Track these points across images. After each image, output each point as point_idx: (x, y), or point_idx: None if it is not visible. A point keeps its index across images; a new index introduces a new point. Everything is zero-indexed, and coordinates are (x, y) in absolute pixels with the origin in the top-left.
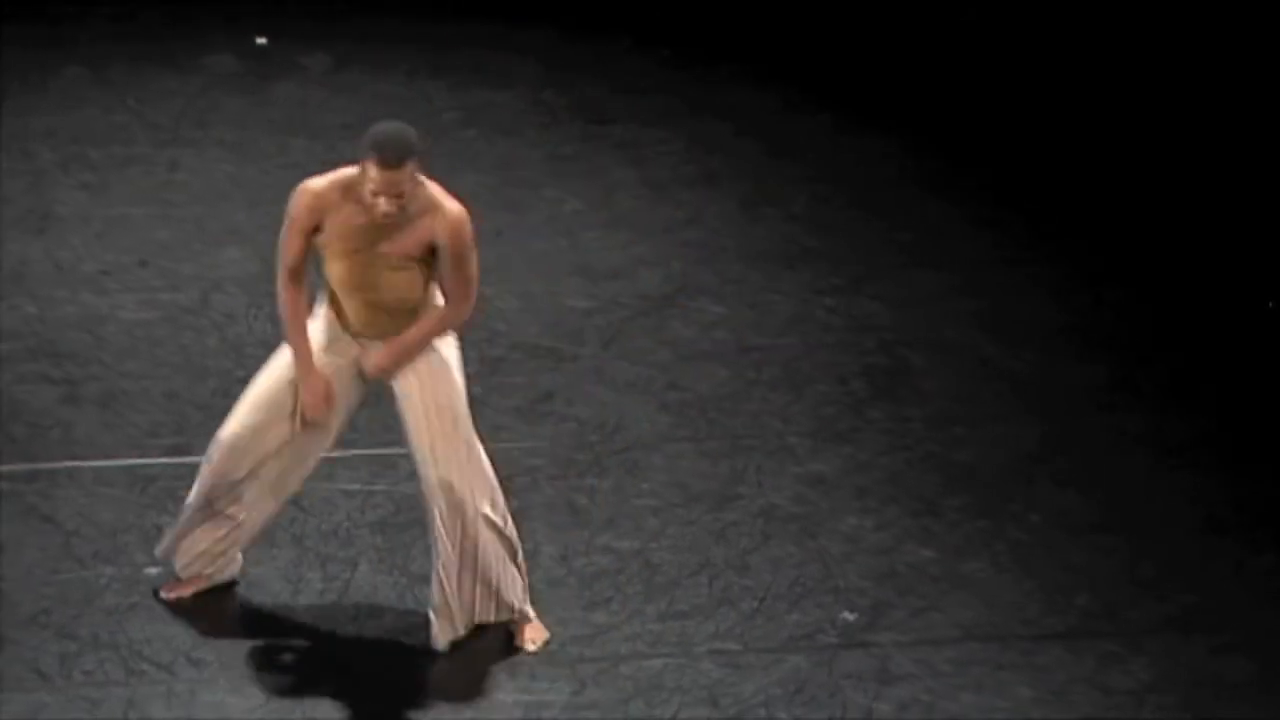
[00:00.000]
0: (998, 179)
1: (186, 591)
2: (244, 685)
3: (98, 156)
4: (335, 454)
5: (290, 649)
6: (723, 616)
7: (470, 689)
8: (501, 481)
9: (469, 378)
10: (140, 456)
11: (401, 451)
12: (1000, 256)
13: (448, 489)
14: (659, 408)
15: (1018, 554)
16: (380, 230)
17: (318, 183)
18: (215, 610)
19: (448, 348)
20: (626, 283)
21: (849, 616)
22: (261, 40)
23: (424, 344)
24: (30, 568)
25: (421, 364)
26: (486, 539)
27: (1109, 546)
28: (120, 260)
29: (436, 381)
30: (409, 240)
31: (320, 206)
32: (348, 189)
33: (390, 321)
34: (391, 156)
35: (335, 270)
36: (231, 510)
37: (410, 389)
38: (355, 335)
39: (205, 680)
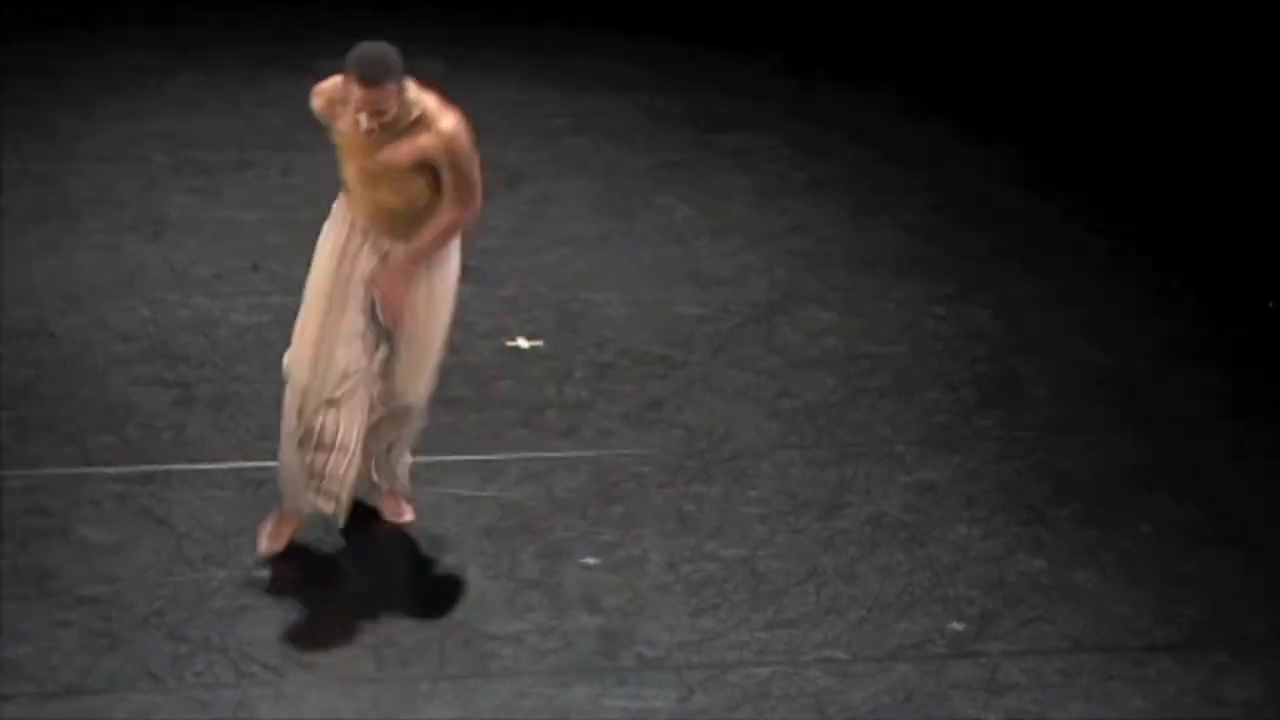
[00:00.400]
0: (1109, 187)
1: (280, 541)
2: (352, 688)
3: (211, 160)
4: (444, 458)
5: (398, 652)
6: (830, 625)
7: (577, 695)
8: (610, 487)
9: (577, 383)
10: (251, 460)
11: (509, 457)
12: (1111, 265)
13: (406, 402)
14: (768, 415)
15: (1128, 564)
16: (376, 140)
17: (328, 86)
18: (324, 613)
19: (449, 273)
20: (736, 290)
21: (958, 626)
22: None
23: (432, 250)
24: (144, 569)
25: (421, 291)
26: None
27: (1220, 557)
28: (232, 264)
29: (430, 314)
30: (403, 152)
31: (328, 107)
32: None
33: (398, 223)
34: (369, 75)
35: (347, 169)
36: (329, 430)
37: (416, 307)
38: (366, 230)
39: (314, 682)
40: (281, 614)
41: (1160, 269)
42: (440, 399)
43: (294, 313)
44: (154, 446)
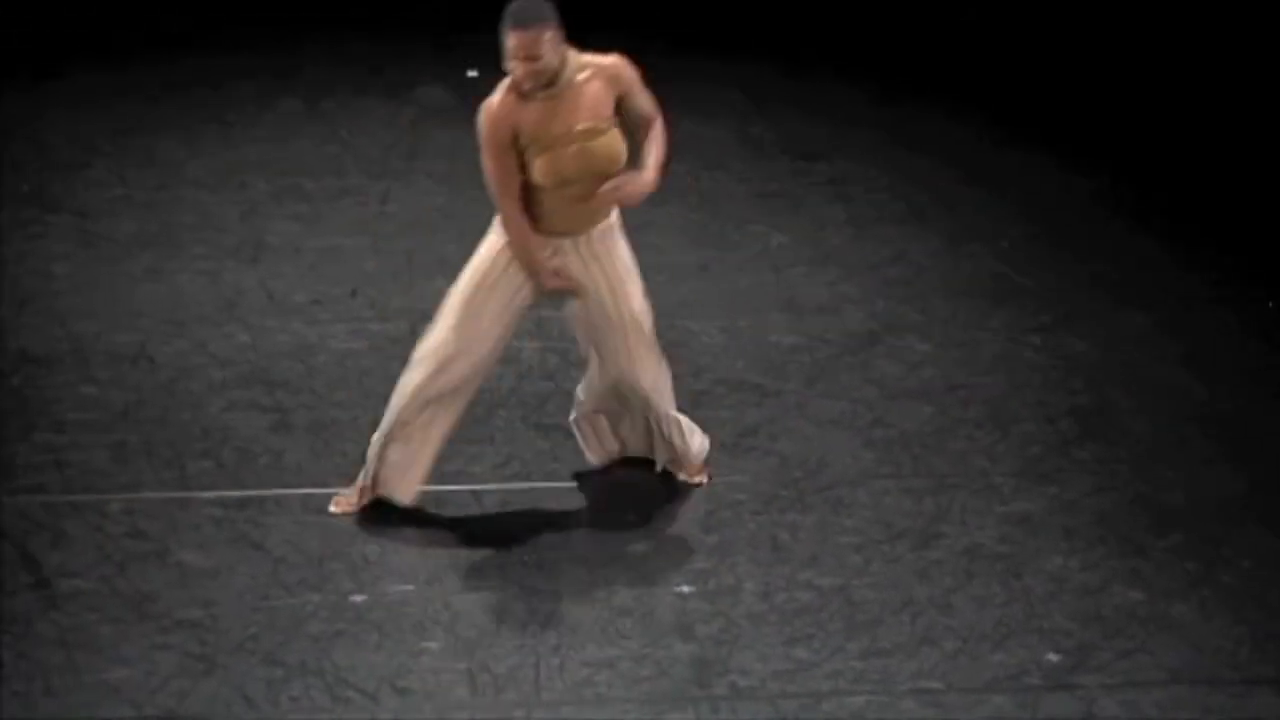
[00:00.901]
0: (1207, 218)
1: (352, 506)
2: (447, 713)
3: (311, 188)
4: (538, 484)
5: (492, 678)
6: (925, 655)
7: None
8: (705, 515)
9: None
10: (348, 485)
11: (604, 482)
12: (1209, 296)
13: (640, 391)
14: (863, 444)
15: (1227, 597)
16: (565, 113)
17: (494, 99)
18: (419, 638)
19: (623, 254)
20: (832, 319)
21: (1054, 658)
22: (473, 72)
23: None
24: (240, 594)
25: (608, 273)
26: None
27: None
28: (331, 291)
29: (628, 291)
30: (591, 104)
31: (507, 116)
32: (517, 89)
33: (591, 208)
34: (521, 18)
35: (541, 169)
36: (420, 424)
37: (602, 296)
38: (554, 235)
39: (409, 708)
40: (376, 639)
41: (1258, 300)
42: (537, 424)
43: (391, 339)
44: (251, 472)
